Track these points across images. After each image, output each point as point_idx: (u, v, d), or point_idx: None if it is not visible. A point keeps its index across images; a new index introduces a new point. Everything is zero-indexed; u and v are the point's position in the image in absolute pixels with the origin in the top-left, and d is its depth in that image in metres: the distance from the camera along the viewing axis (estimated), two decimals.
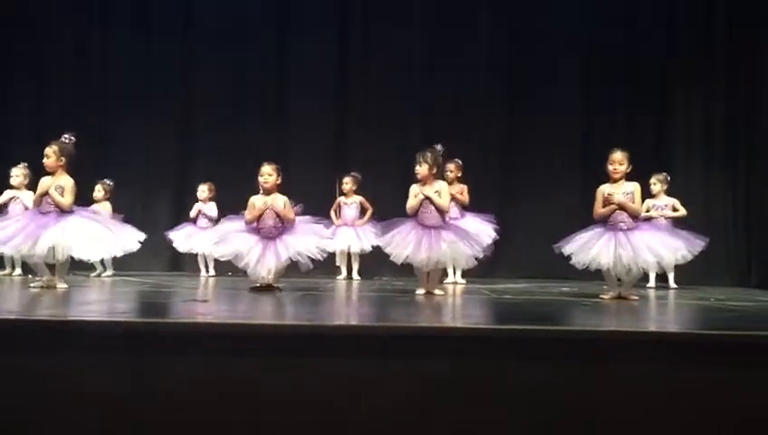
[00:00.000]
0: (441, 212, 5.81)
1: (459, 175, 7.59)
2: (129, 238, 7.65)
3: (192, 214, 8.16)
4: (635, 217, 5.68)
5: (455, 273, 7.54)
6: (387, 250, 5.87)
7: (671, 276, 7.40)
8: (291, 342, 3.34)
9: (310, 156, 8.70)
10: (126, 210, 7.93)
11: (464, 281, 7.52)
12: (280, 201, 5.97)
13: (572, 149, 8.96)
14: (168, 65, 9.15)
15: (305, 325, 3.73)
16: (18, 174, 7.62)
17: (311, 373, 3.23)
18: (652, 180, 7.48)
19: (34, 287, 5.62)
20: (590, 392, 3.24)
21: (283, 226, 5.92)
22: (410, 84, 9.07)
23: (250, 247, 5.80)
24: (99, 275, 7.66)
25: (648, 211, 7.46)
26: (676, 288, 7.29)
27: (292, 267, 6.02)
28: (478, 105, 9.01)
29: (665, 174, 7.61)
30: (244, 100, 9.13)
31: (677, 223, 7.32)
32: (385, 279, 7.82)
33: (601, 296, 5.70)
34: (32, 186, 7.16)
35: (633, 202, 5.65)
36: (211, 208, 8.08)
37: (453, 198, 7.34)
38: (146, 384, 3.22)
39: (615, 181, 5.69)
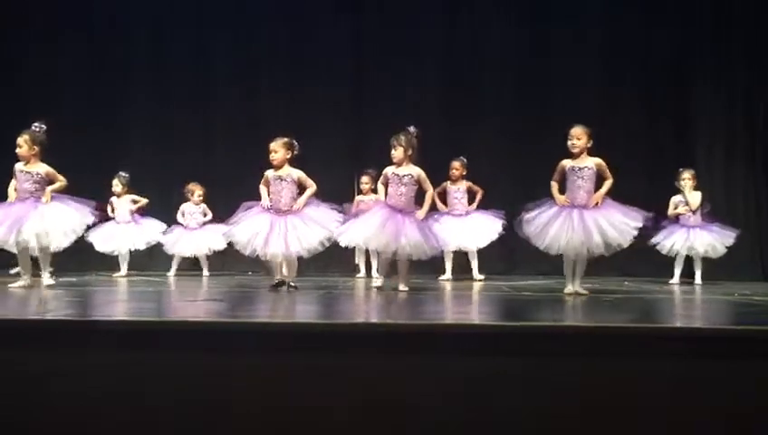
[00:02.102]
0: (408, 200, 5.77)
1: (464, 173, 7.56)
2: (151, 231, 7.76)
3: (179, 215, 8.03)
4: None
5: (470, 269, 7.53)
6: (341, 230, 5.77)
7: (698, 273, 7.32)
8: (307, 340, 3.32)
9: (328, 155, 8.65)
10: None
11: (482, 277, 7.45)
12: (291, 174, 5.82)
13: (592, 148, 8.83)
14: (183, 66, 9.11)
15: (325, 323, 3.70)
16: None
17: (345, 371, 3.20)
18: (683, 177, 7.35)
19: (15, 288, 5.56)
20: (619, 388, 3.18)
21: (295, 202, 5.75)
22: (428, 81, 8.99)
23: (258, 229, 5.68)
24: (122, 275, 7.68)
25: (676, 208, 7.36)
26: (700, 284, 7.19)
27: (307, 263, 5.96)
28: (498, 102, 8.91)
29: (693, 171, 7.48)
30: (259, 98, 9.06)
31: (708, 217, 7.32)
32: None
33: (564, 292, 5.59)
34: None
35: (594, 179, 5.51)
36: (201, 209, 7.97)
37: (469, 190, 7.48)
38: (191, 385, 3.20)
39: (575, 157, 5.58)
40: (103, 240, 7.58)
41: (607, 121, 8.73)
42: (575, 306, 4.85)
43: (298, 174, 5.86)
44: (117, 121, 8.98)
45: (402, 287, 5.74)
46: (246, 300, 5.28)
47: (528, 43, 8.89)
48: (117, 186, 7.79)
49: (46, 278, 5.77)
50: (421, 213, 5.75)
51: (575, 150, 5.57)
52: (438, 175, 7.31)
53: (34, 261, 5.83)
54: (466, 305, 5.14)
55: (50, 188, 5.69)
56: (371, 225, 5.70)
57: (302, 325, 3.68)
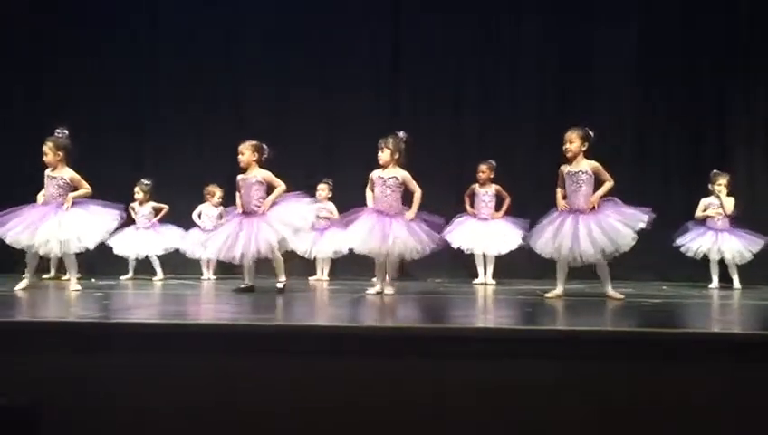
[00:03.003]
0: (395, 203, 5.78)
1: (492, 176, 7.50)
2: (170, 237, 7.82)
3: (195, 216, 8.01)
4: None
5: (485, 273, 7.48)
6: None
7: (735, 277, 7.20)
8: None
9: (354, 159, 8.59)
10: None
11: (493, 282, 7.43)
12: (256, 175, 6.01)
13: (626, 145, 8.72)
14: (214, 71, 9.15)
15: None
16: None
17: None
18: (718, 181, 7.21)
19: (18, 290, 5.66)
20: (657, 393, 3.16)
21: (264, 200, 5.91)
22: (456, 85, 8.92)
23: (227, 234, 5.89)
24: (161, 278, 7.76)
25: (704, 210, 7.25)
26: (739, 289, 7.07)
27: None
28: (532, 104, 8.80)
29: (728, 176, 7.32)
30: (288, 103, 9.04)
31: (736, 222, 7.19)
32: (437, 280, 7.73)
33: (546, 295, 5.55)
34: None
35: (592, 182, 5.48)
36: (218, 212, 7.87)
37: (498, 194, 7.44)
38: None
39: (570, 161, 5.55)
40: (122, 245, 7.67)
41: (644, 121, 8.73)
42: (615, 310, 4.80)
43: (263, 174, 6.03)
44: (147, 125, 9.04)
45: (388, 290, 5.79)
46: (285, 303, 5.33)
47: (565, 47, 8.79)
48: (138, 193, 7.88)
49: (73, 283, 5.83)
50: (410, 214, 5.76)
51: (569, 154, 5.56)
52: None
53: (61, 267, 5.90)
54: (504, 309, 5.10)
55: (72, 194, 5.76)
56: (359, 231, 5.73)
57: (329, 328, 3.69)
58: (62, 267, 7.60)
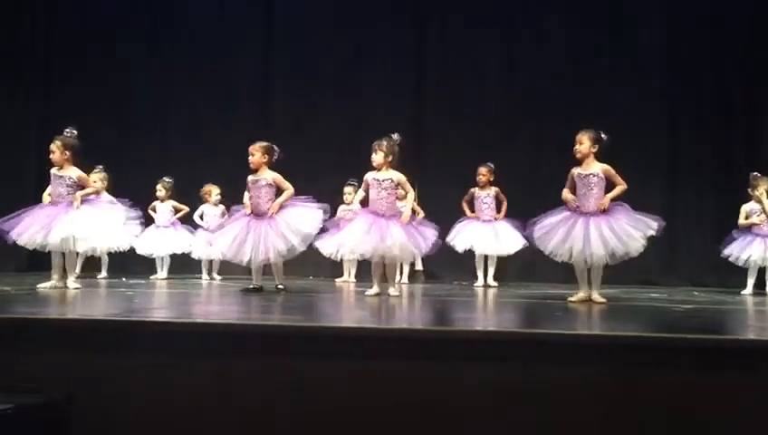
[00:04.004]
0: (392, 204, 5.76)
1: (491, 178, 7.44)
2: (188, 238, 7.82)
3: (197, 218, 7.93)
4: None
5: (486, 276, 7.44)
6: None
7: None
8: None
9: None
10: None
11: (495, 284, 7.38)
12: (266, 177, 5.99)
13: (657, 150, 8.60)
14: (243, 72, 9.19)
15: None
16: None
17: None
18: (760, 184, 7.00)
19: (43, 288, 5.67)
20: (688, 401, 3.09)
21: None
22: (478, 84, 8.87)
23: (235, 236, 5.89)
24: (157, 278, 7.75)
25: (747, 218, 7.08)
26: None
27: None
28: (557, 107, 8.70)
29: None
30: (315, 103, 9.04)
31: None
32: (464, 283, 7.65)
33: (569, 299, 5.44)
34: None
35: (603, 185, 5.38)
36: (220, 210, 7.80)
37: (497, 196, 7.37)
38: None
39: (580, 162, 5.47)
40: (144, 244, 7.66)
41: (671, 125, 8.60)
42: (647, 315, 4.71)
43: (273, 176, 6.02)
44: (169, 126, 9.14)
45: (393, 292, 5.73)
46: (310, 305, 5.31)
47: (589, 44, 8.67)
48: (160, 190, 7.88)
49: (71, 281, 5.83)
50: (405, 216, 5.73)
51: (578, 156, 5.48)
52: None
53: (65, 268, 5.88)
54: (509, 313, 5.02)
55: (80, 193, 5.77)
56: (355, 233, 5.69)
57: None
58: (90, 265, 7.74)
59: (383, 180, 5.77)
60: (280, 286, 6.04)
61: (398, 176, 5.81)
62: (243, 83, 9.17)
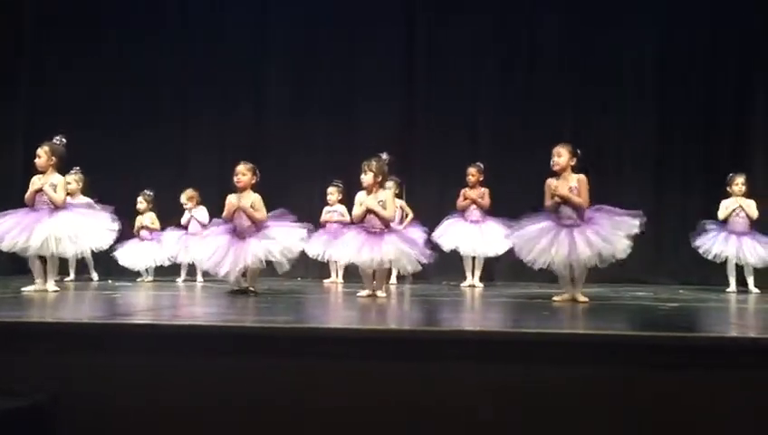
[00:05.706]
0: (384, 221, 5.74)
1: (481, 178, 7.45)
2: (173, 245, 7.78)
3: (183, 221, 7.87)
4: (580, 209, 5.42)
5: (473, 275, 7.46)
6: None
7: (750, 280, 7.12)
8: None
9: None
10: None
11: (481, 284, 7.40)
12: (248, 199, 6.00)
13: (644, 150, 8.65)
14: (238, 77, 9.18)
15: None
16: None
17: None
18: (735, 183, 7.13)
19: (26, 291, 5.67)
20: (676, 400, 3.12)
21: (256, 224, 5.95)
22: (468, 87, 8.92)
23: (216, 248, 5.91)
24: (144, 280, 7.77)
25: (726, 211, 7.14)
26: (758, 293, 6.97)
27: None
28: (547, 105, 8.74)
29: (745, 175, 7.25)
30: (308, 106, 9.06)
31: (754, 225, 7.09)
32: (452, 283, 7.67)
33: (554, 298, 5.49)
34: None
35: (579, 195, 5.41)
36: (202, 214, 7.74)
37: (473, 199, 7.38)
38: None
39: (558, 174, 5.51)
40: (127, 256, 7.67)
41: (661, 126, 8.65)
42: (638, 314, 4.73)
43: (255, 199, 6.02)
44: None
45: (380, 293, 5.76)
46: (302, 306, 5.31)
47: (579, 41, 8.71)
48: (141, 203, 7.86)
49: (50, 284, 5.82)
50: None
51: (556, 168, 5.52)
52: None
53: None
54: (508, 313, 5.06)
55: (47, 187, 5.73)
56: (352, 246, 5.70)
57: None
58: (81, 268, 7.74)
59: (377, 202, 5.76)
60: (251, 289, 6.01)
61: (385, 195, 5.83)
62: (236, 84, 9.15)
